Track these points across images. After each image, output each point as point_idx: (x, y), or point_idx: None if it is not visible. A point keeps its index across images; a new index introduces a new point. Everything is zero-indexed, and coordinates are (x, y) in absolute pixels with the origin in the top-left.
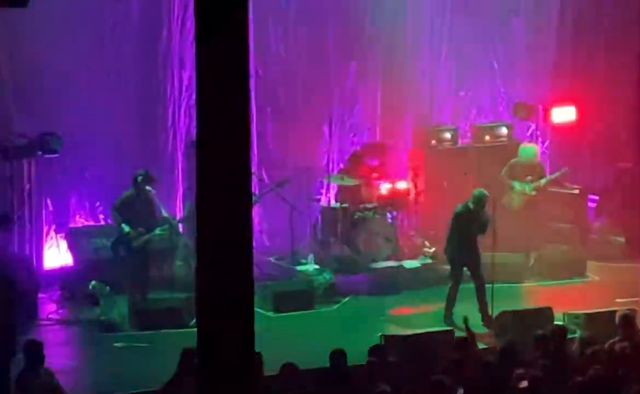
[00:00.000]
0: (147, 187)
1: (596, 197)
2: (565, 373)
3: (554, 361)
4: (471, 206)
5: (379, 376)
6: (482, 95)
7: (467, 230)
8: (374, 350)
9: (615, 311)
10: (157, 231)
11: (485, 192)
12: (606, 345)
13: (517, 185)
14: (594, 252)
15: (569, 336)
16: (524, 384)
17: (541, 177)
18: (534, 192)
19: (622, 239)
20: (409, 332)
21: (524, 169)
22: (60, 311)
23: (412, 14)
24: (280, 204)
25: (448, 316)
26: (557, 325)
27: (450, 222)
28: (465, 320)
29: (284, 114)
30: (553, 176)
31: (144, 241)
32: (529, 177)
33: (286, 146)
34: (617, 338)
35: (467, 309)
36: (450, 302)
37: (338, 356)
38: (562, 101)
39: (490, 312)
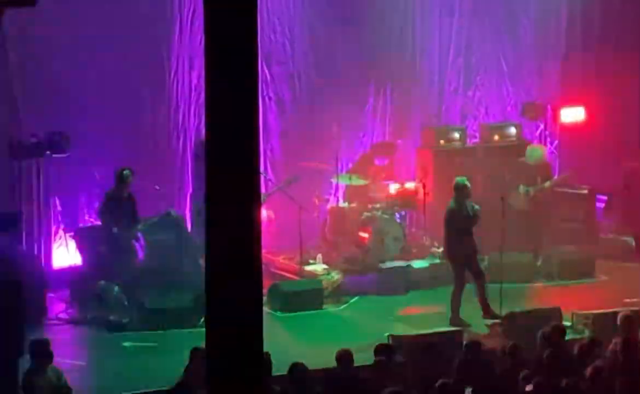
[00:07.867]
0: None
1: (605, 197)
2: (564, 372)
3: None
4: (456, 198)
5: (386, 377)
6: (490, 95)
7: (460, 224)
8: (381, 350)
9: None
10: None
11: (466, 180)
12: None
13: (521, 188)
14: (603, 252)
15: (578, 336)
16: (529, 388)
17: (547, 179)
18: (532, 192)
19: (630, 239)
20: (417, 332)
21: (531, 169)
22: (69, 310)
23: (421, 14)
24: (289, 204)
25: (455, 317)
26: (556, 324)
27: (444, 221)
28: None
29: (292, 113)
30: (555, 180)
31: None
32: (539, 179)
33: (294, 145)
34: (618, 339)
35: (470, 310)
36: (455, 303)
37: (345, 356)
38: (571, 101)
39: (489, 303)
